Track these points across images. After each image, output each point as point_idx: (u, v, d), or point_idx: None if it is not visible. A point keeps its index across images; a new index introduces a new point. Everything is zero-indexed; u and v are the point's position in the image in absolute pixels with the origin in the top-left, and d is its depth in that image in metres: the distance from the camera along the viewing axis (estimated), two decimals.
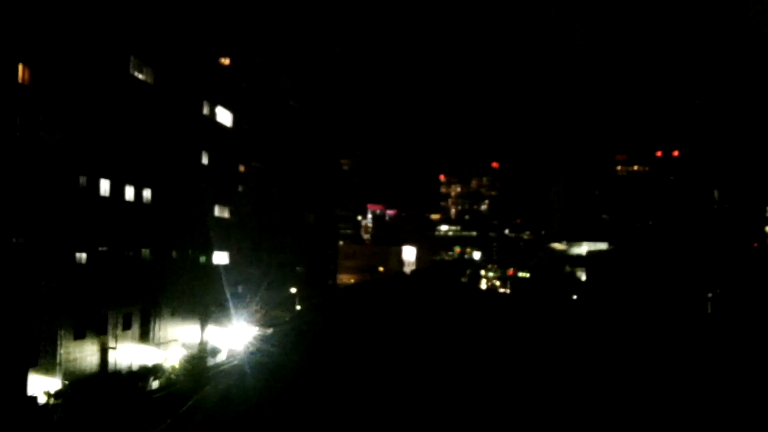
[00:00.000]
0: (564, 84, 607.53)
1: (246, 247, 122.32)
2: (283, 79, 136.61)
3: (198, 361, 78.28)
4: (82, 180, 59.41)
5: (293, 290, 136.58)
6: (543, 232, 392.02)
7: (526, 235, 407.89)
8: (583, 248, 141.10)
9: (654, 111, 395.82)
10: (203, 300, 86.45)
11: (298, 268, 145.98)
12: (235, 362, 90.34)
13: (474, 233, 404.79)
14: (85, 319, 59.98)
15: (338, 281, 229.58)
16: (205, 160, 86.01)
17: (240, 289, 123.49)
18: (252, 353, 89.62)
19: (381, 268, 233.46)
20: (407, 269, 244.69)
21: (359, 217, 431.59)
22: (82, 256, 59.91)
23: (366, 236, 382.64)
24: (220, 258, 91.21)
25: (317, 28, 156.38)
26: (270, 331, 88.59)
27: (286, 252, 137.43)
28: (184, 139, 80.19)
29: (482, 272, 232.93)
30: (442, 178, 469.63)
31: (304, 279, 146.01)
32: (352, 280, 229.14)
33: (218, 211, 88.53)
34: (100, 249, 62.74)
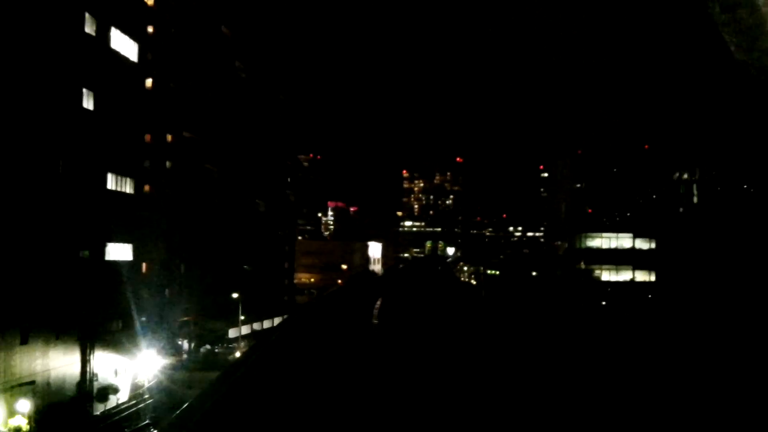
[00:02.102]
0: (528, 77, 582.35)
1: (175, 240, 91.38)
2: (224, 30, 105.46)
3: (65, 411, 47.27)
4: None
5: (239, 294, 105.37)
6: (543, 227, 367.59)
7: (518, 231, 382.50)
8: (596, 241, 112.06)
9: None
10: (90, 314, 55.24)
11: (246, 267, 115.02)
12: (142, 406, 59.39)
13: (439, 229, 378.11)
14: None
15: (296, 280, 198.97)
16: (89, 104, 54.79)
17: (168, 294, 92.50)
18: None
19: (344, 266, 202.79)
20: (373, 267, 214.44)
21: (319, 214, 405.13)
22: None
23: (326, 234, 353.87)
24: (120, 252, 59.98)
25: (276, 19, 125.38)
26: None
27: (230, 247, 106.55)
28: (45, 60, 49.06)
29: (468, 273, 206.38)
30: (404, 173, 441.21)
31: (253, 279, 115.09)
32: (312, 279, 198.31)
33: (114, 183, 57.30)
34: None
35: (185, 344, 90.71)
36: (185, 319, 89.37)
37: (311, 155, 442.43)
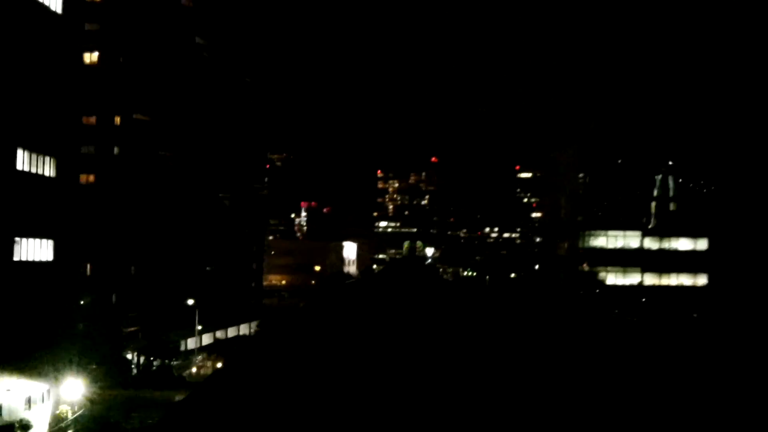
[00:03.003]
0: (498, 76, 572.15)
1: (125, 238, 78.56)
2: (184, 1, 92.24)
3: None
4: None
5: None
6: (520, 228, 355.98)
7: (494, 232, 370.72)
8: (601, 240, 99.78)
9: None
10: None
11: (208, 268, 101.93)
12: None
13: (414, 229, 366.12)
14: None
15: (266, 282, 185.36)
16: None
17: (115, 300, 79.22)
18: None
19: (317, 267, 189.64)
20: (348, 268, 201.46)
21: (293, 215, 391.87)
22: None
23: (299, 235, 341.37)
24: (38, 251, 46.80)
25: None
26: None
27: (190, 245, 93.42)
28: None
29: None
30: (379, 173, 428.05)
31: (217, 282, 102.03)
32: (284, 281, 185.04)
33: (25, 162, 44.12)
34: None
35: (136, 358, 77.53)
36: (132, 329, 76.14)
37: (284, 154, 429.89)
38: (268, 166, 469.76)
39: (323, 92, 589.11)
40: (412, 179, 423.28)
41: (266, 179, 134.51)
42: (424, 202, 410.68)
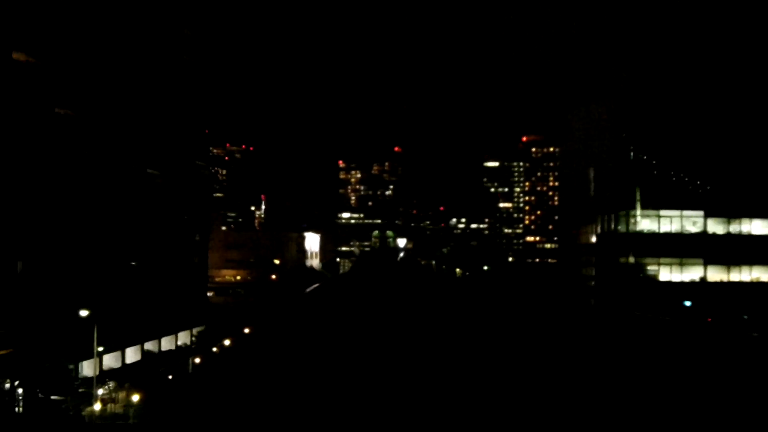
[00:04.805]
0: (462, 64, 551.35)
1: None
2: None
3: None
4: None
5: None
6: (487, 219, 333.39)
7: (461, 223, 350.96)
8: (648, 222, 75.87)
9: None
10: None
11: (132, 263, 78.08)
12: None
13: (379, 221, 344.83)
14: None
15: (219, 278, 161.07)
16: None
17: None
18: None
19: (277, 261, 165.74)
20: (311, 262, 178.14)
21: (252, 208, 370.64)
22: None
23: (258, 228, 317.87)
24: None
25: None
26: None
27: (105, 235, 69.70)
28: None
29: None
30: (341, 163, 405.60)
31: (142, 280, 78.33)
32: (238, 277, 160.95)
33: None
34: None
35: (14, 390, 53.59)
36: (3, 352, 52.23)
37: (243, 146, 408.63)
38: (227, 158, 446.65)
39: (281, 81, 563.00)
40: (374, 169, 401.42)
41: (209, 154, 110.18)
42: (387, 193, 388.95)
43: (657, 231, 76.64)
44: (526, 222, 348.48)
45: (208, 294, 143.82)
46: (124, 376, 67.15)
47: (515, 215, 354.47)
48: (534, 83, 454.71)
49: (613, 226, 78.17)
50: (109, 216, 70.60)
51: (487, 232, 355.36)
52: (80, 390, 54.82)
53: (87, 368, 65.39)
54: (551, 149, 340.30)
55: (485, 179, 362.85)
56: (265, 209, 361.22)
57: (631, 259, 75.30)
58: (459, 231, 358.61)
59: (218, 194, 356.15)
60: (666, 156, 77.66)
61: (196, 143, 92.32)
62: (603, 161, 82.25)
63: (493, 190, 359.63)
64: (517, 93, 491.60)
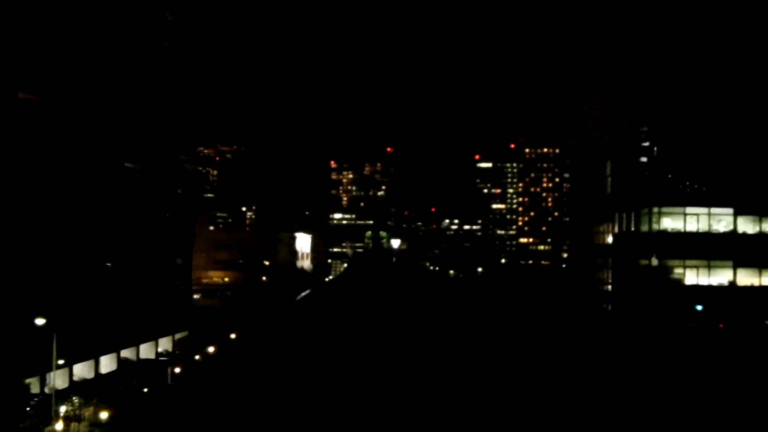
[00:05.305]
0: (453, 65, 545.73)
1: None
2: None
3: None
4: None
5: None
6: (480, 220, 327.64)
7: (454, 225, 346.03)
8: (673, 220, 68.69)
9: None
10: None
11: (108, 264, 71.76)
12: None
13: (371, 222, 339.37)
14: None
15: (206, 279, 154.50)
16: None
17: None
18: None
19: (267, 262, 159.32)
20: (302, 263, 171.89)
21: (243, 209, 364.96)
22: None
23: (248, 229, 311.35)
24: None
25: None
26: None
27: (77, 233, 63.31)
28: None
29: None
30: (332, 164, 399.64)
31: (118, 284, 71.96)
32: (227, 279, 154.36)
33: None
34: None
35: None
36: None
37: (234, 147, 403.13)
38: (218, 158, 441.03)
39: (273, 82, 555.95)
40: (366, 170, 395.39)
41: (200, 155, 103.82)
42: (380, 193, 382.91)
43: (683, 230, 69.93)
44: (520, 223, 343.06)
45: (195, 296, 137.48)
46: (96, 388, 60.80)
47: (508, 216, 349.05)
48: (528, 83, 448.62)
49: (633, 225, 71.48)
50: (81, 213, 64.20)
51: (480, 233, 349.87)
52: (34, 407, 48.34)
53: (59, 380, 59.17)
54: (545, 150, 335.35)
55: (478, 180, 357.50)
56: (255, 210, 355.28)
57: (654, 261, 68.68)
58: (452, 232, 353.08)
59: (209, 195, 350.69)
60: (691, 148, 70.88)
61: (179, 136, 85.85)
62: (621, 154, 75.47)
63: (486, 191, 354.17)
64: (510, 93, 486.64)
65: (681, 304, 66.80)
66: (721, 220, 70.76)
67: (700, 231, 69.63)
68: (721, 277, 70.71)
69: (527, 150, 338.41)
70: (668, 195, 69.72)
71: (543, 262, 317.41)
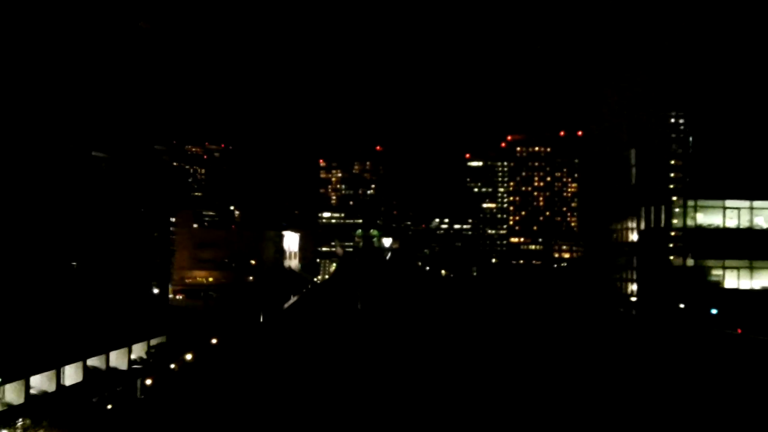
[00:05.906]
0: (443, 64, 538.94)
1: None
2: None
3: None
4: None
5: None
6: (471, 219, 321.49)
7: (444, 224, 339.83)
8: (702, 216, 61.17)
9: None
10: None
11: (73, 263, 64.36)
12: None
13: (360, 221, 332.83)
14: None
15: (190, 279, 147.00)
16: None
17: None
18: None
19: (253, 261, 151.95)
20: (289, 262, 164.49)
21: (232, 207, 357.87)
22: None
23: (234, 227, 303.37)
24: None
25: None
26: None
27: (31, 226, 55.85)
28: None
29: None
30: (321, 163, 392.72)
31: (86, 285, 64.54)
32: (211, 279, 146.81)
33: None
34: None
35: None
36: None
37: (222, 145, 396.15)
38: (206, 157, 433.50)
39: (261, 80, 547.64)
40: (356, 168, 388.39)
41: (185, 146, 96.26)
42: (369, 192, 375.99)
43: (721, 226, 62.37)
44: (510, 223, 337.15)
45: (177, 297, 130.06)
46: (57, 403, 53.30)
47: (499, 216, 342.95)
48: (519, 81, 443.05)
49: (663, 220, 63.85)
50: (39, 205, 56.67)
51: (470, 232, 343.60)
52: None
53: (10, 393, 51.64)
54: (536, 148, 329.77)
55: (468, 179, 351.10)
56: (243, 208, 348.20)
57: (690, 261, 61.10)
58: (442, 231, 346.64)
59: (197, 193, 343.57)
60: (729, 134, 63.39)
61: (154, 123, 78.32)
62: (648, 142, 67.84)
63: (476, 190, 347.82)
64: (501, 91, 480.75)
65: (721, 309, 59.49)
66: (765, 215, 63.17)
67: (742, 227, 62.02)
68: (763, 279, 63.09)
69: (518, 149, 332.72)
70: (705, 186, 62.20)
71: (534, 261, 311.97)
